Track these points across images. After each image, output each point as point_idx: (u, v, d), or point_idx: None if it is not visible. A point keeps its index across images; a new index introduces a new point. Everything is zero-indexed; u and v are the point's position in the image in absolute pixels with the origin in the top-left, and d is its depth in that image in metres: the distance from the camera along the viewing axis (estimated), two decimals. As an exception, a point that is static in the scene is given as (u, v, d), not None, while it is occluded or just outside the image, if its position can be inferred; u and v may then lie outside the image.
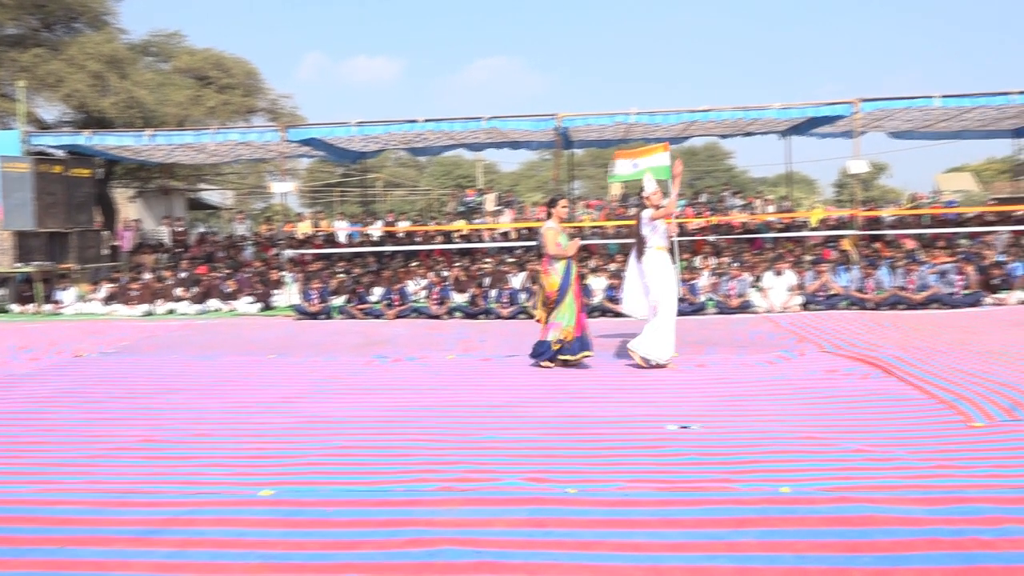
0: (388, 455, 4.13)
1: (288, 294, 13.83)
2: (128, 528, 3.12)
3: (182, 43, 23.31)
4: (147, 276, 14.68)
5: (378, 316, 11.91)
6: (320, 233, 17.49)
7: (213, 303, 13.76)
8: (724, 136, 18.35)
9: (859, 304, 11.26)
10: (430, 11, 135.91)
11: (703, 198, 19.16)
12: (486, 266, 14.34)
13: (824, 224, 16.36)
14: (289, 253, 15.11)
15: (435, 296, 12.14)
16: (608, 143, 18.36)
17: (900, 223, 16.44)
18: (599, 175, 41.70)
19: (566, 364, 6.81)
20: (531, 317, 10.62)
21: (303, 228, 18.09)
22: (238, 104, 22.19)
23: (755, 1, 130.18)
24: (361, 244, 16.91)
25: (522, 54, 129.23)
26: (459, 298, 12.54)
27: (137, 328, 11.02)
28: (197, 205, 26.82)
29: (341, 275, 14.32)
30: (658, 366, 6.70)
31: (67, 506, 3.42)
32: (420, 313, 11.95)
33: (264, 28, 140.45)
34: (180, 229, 18.89)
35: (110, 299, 13.99)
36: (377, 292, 12.96)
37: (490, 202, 19.30)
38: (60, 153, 15.91)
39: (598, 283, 12.15)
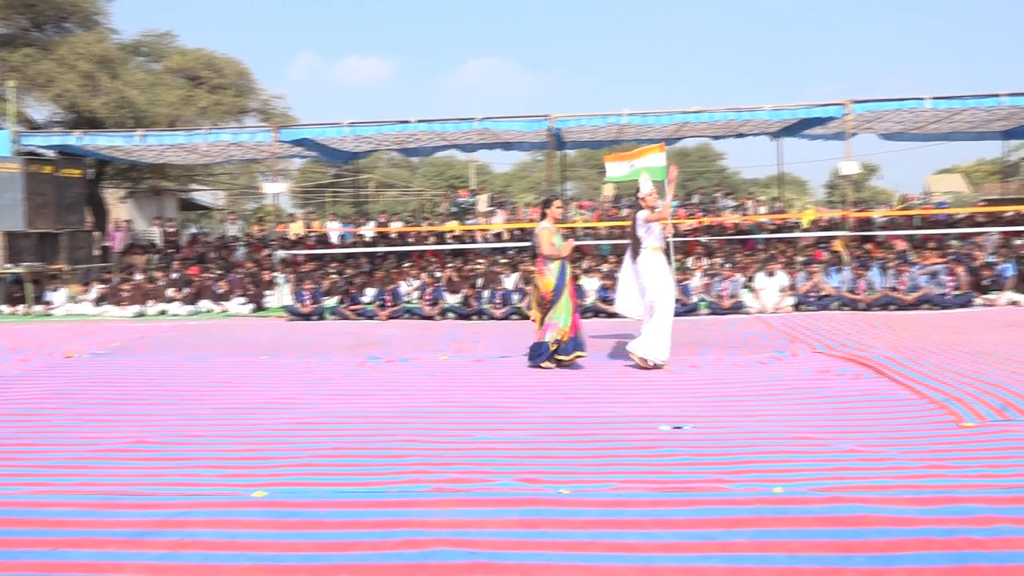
0: (381, 456, 4.12)
1: (280, 295, 13.79)
2: (120, 530, 3.10)
3: (173, 43, 23.26)
4: (138, 277, 14.61)
5: (371, 317, 11.88)
6: (312, 234, 17.47)
7: (205, 304, 13.70)
8: (716, 137, 18.44)
9: (851, 305, 11.30)
10: (423, 11, 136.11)
11: (695, 199, 19.23)
12: (479, 267, 14.34)
13: (816, 225, 16.45)
14: (281, 254, 15.07)
15: (428, 297, 12.12)
16: (600, 144, 18.42)
17: (891, 224, 16.54)
18: (592, 176, 41.79)
19: (560, 364, 6.84)
20: (524, 317, 10.64)
21: (295, 229, 18.06)
22: (230, 104, 22.13)
23: (754, 1, 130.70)
24: (354, 245, 16.88)
25: (515, 55, 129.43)
26: (452, 299, 12.54)
27: (128, 329, 10.96)
28: (189, 206, 26.70)
29: (333, 276, 14.30)
30: (657, 366, 6.72)
31: (58, 508, 3.40)
32: (413, 314, 11.94)
33: (256, 28, 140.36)
34: (171, 230, 18.82)
35: (101, 300, 13.92)
36: (370, 293, 12.94)
37: (483, 203, 19.33)
38: (50, 153, 15.80)
39: (591, 284, 12.17)
